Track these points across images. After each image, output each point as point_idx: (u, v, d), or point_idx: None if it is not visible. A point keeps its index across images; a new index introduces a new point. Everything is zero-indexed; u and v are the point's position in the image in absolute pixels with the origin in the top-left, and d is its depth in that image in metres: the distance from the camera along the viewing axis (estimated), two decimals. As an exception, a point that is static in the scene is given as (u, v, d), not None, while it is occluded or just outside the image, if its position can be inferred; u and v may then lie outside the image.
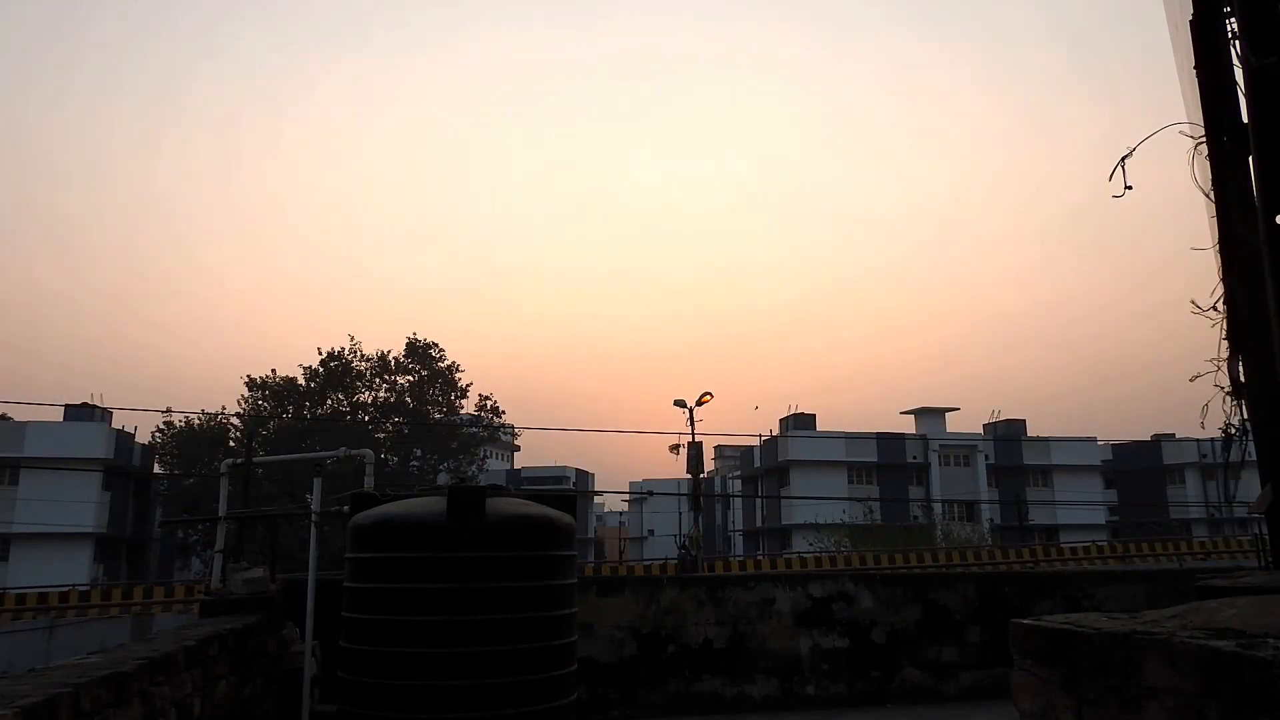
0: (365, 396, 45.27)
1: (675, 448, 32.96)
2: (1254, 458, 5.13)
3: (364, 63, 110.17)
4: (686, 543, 31.81)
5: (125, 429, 45.35)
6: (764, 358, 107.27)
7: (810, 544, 38.97)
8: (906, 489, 51.18)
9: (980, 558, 30.04)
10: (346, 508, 6.18)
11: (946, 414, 56.67)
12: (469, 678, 4.95)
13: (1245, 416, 5.16)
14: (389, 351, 45.41)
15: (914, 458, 52.37)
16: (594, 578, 11.73)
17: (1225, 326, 5.19)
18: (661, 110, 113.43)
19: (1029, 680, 3.68)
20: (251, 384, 43.61)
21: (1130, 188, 5.71)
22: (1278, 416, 4.92)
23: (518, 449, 66.76)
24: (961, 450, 53.75)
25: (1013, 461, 53.57)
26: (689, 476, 34.28)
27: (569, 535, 5.64)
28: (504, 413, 47.19)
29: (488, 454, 54.33)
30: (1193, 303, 5.38)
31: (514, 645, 5.05)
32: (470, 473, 43.63)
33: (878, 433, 53.03)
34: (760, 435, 51.45)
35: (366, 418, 44.23)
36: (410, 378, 45.57)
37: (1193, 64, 5.32)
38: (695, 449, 33.01)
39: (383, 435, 44.15)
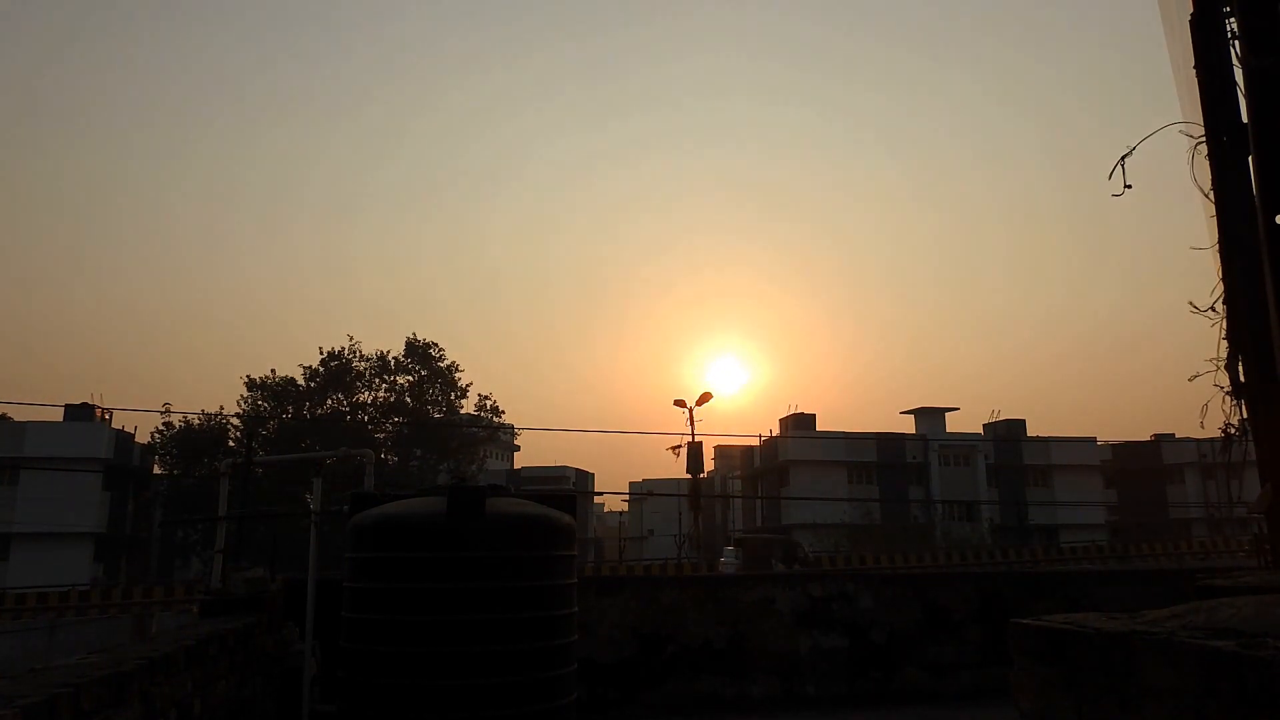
0: (365, 396, 45.28)
1: (676, 448, 33.07)
2: (1254, 458, 5.13)
3: (371, 68, 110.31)
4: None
5: (125, 429, 45.40)
6: (764, 358, 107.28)
7: (811, 544, 38.97)
8: (906, 489, 51.13)
9: (980, 558, 30.06)
10: (346, 508, 6.18)
11: (946, 414, 56.62)
12: (469, 678, 4.94)
13: (1245, 416, 5.16)
14: (389, 351, 45.49)
15: (914, 458, 52.28)
16: (594, 578, 11.71)
17: (1225, 326, 5.19)
18: (664, 117, 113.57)
19: (1029, 680, 3.68)
20: (251, 384, 43.61)
21: (1130, 187, 5.72)
22: (1278, 416, 4.92)
23: (518, 449, 66.80)
24: (961, 450, 53.67)
25: (1013, 461, 53.53)
26: (689, 476, 34.36)
27: (569, 535, 5.63)
28: (504, 413, 47.25)
29: (488, 454, 54.30)
30: (1192, 303, 5.38)
31: (514, 645, 5.04)
32: (470, 472, 43.61)
33: (877, 433, 52.96)
34: (760, 435, 51.51)
35: (366, 418, 44.23)
36: (410, 378, 45.57)
37: (1191, 64, 5.32)
38: (695, 449, 33.10)
39: (383, 435, 44.14)
